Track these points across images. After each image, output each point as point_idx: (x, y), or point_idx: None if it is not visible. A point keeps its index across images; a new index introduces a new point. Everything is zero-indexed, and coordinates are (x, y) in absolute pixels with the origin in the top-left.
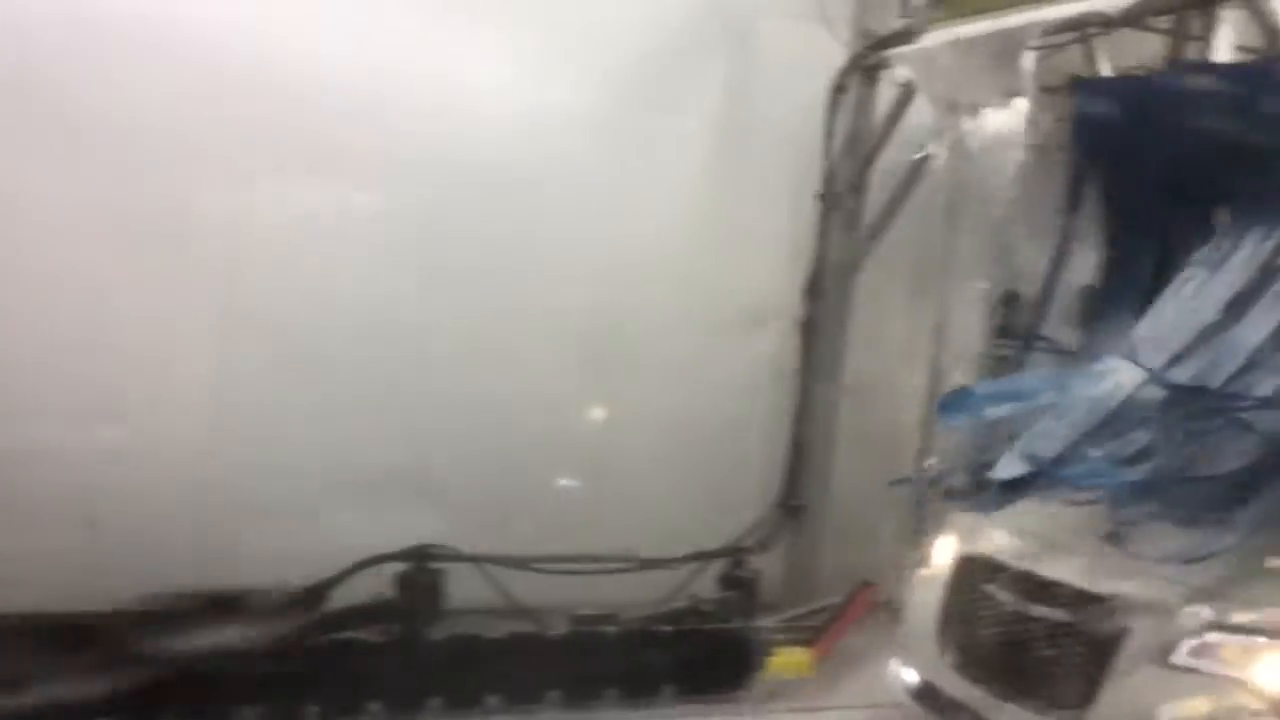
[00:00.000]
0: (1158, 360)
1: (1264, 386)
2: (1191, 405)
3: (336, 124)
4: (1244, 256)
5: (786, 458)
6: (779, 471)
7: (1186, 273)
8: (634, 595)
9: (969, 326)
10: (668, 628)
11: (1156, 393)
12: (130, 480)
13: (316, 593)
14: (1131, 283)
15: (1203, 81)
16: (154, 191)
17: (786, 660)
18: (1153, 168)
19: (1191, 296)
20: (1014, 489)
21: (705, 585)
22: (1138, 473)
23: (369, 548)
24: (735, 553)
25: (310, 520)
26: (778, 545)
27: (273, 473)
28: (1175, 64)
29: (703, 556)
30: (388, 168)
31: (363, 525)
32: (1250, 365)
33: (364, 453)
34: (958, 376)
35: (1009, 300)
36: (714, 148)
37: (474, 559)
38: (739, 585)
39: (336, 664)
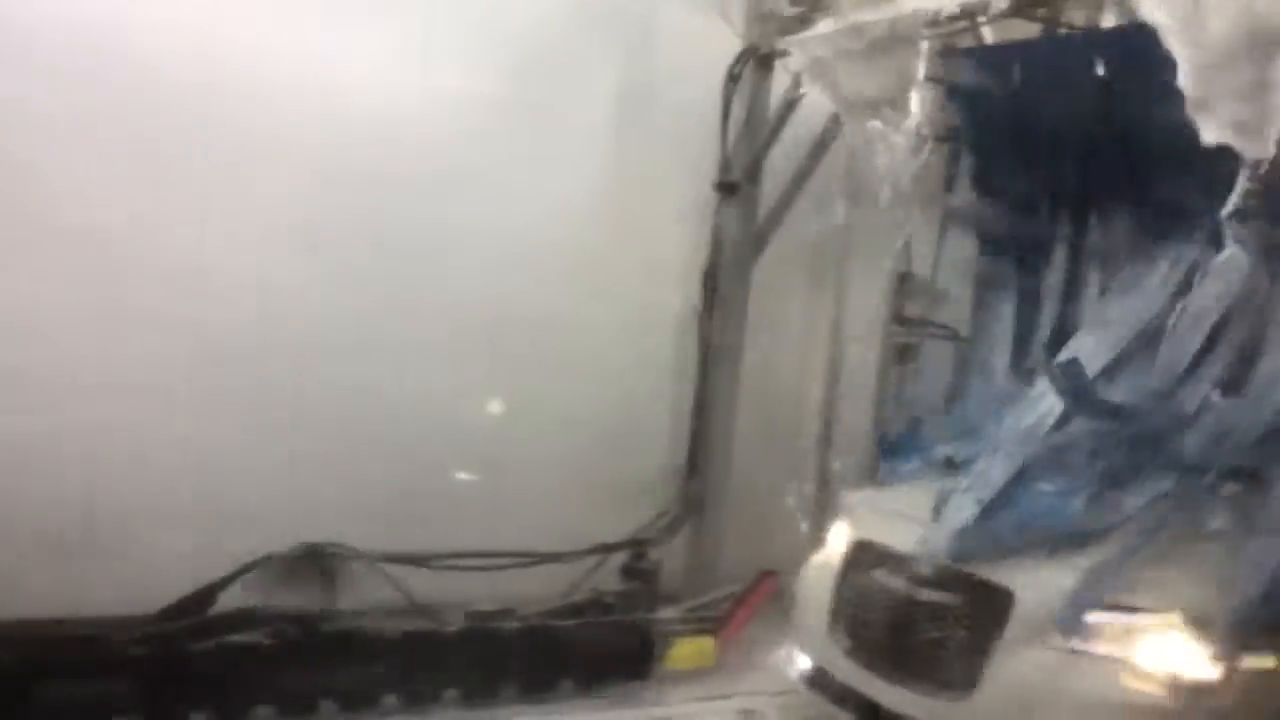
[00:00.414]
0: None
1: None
2: (1118, 429)
3: (218, 112)
4: (1160, 278)
5: (687, 448)
6: (680, 462)
7: (1107, 295)
8: (536, 590)
9: (868, 313)
10: (567, 621)
11: (1085, 421)
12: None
13: (203, 595)
14: (1010, 266)
15: (1067, 48)
16: (12, 180)
17: (688, 650)
18: (1023, 141)
19: (1111, 320)
20: None
21: (607, 578)
22: (1081, 507)
23: (259, 548)
24: (636, 545)
25: (197, 519)
26: (679, 536)
27: (156, 470)
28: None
29: (603, 549)
30: (274, 155)
31: (252, 524)
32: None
33: (252, 449)
34: (858, 364)
35: (906, 286)
36: (610, 136)
37: (367, 557)
38: (640, 577)
39: (224, 668)
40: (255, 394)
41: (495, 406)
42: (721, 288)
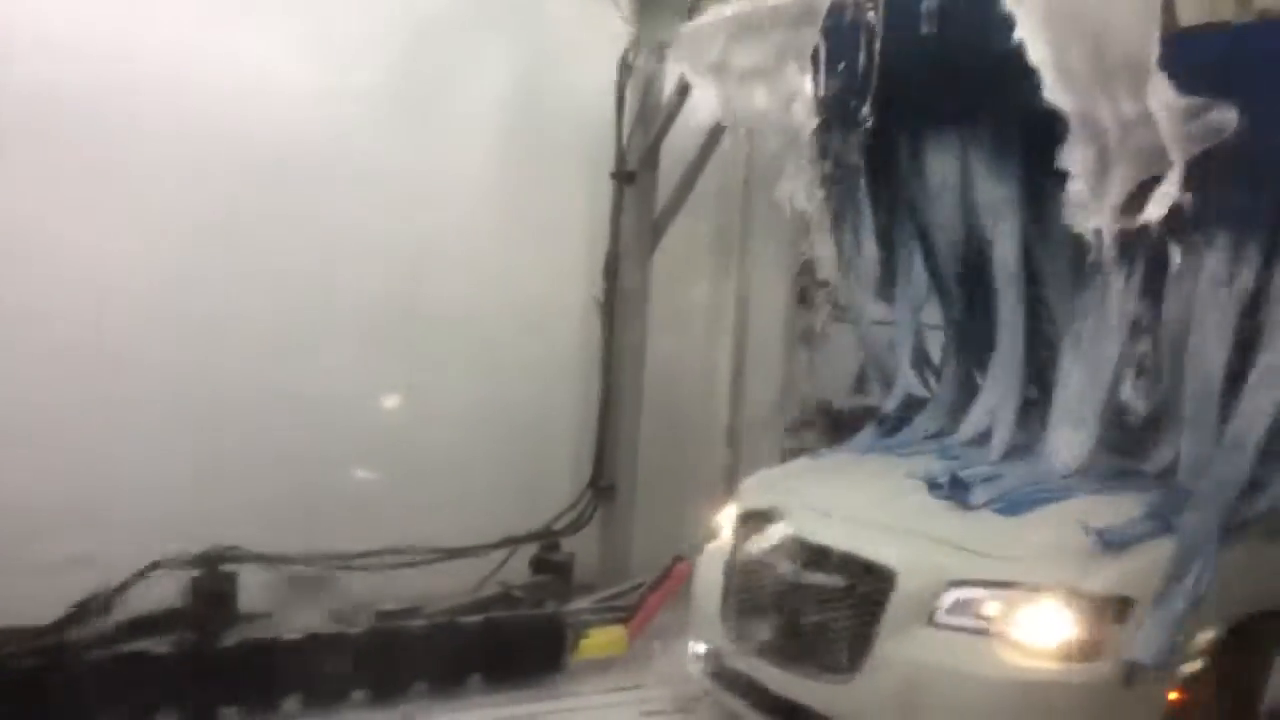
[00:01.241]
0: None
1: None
2: None
3: (118, 112)
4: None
5: (595, 438)
6: (589, 453)
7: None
8: (448, 587)
9: (772, 300)
10: (475, 616)
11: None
12: None
13: (102, 602)
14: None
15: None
16: None
17: (600, 639)
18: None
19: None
20: None
21: (520, 571)
22: None
23: (160, 552)
24: (546, 536)
25: (98, 525)
26: (590, 527)
27: (56, 475)
28: None
29: (512, 542)
30: (173, 155)
31: (155, 528)
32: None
33: (155, 452)
34: (763, 349)
35: (808, 271)
36: (508, 129)
37: (271, 559)
38: (551, 569)
39: (123, 675)
40: (157, 396)
41: (402, 404)
42: (622, 277)
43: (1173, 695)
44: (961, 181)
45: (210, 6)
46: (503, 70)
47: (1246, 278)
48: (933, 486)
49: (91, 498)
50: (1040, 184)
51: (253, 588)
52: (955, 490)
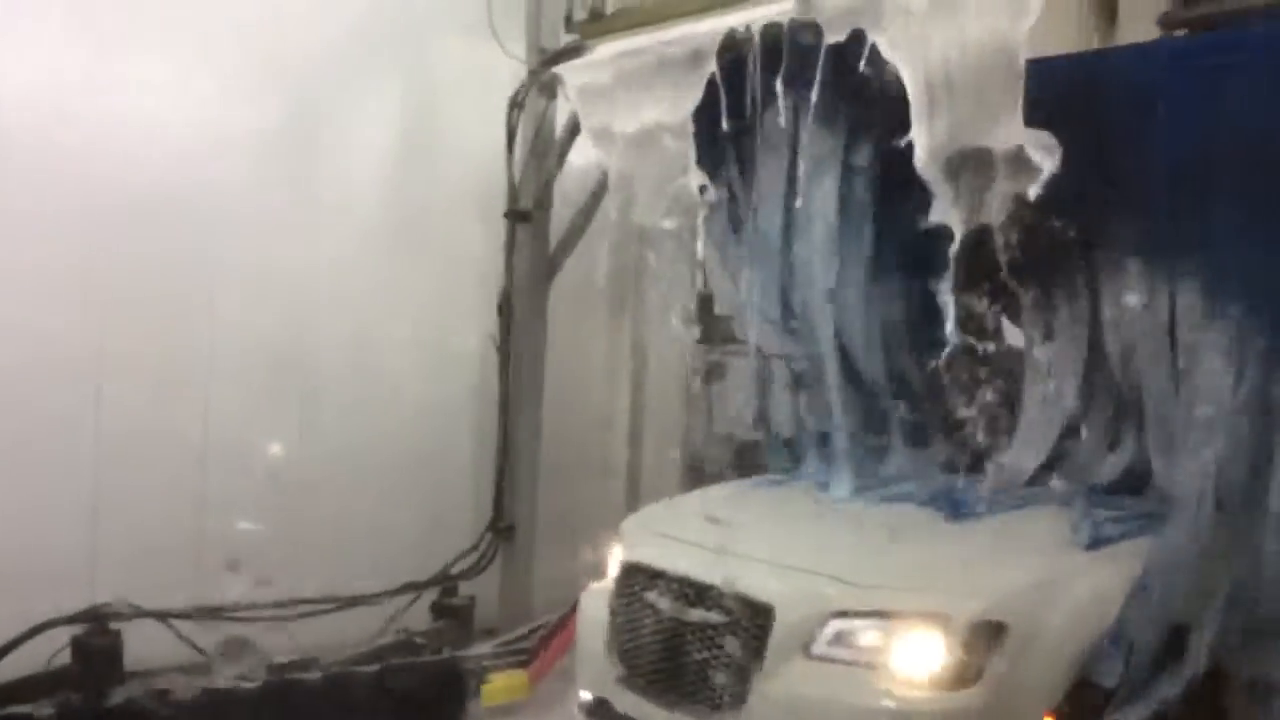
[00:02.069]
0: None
1: None
2: None
3: None
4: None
5: (494, 479)
6: (488, 494)
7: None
8: (345, 636)
9: (670, 335)
10: (373, 666)
11: None
12: None
13: None
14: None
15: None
16: None
17: (502, 684)
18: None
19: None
20: None
21: (420, 617)
22: None
23: (44, 611)
24: (445, 581)
25: None
26: (490, 569)
27: None
28: None
29: (411, 588)
30: (46, 191)
31: (38, 584)
32: None
33: (30, 506)
34: (662, 386)
35: (705, 306)
36: (399, 168)
37: (157, 614)
38: (452, 614)
39: None
40: (32, 444)
41: (294, 447)
42: (518, 315)
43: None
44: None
45: (92, 38)
46: (393, 108)
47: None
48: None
49: None
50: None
51: (141, 643)
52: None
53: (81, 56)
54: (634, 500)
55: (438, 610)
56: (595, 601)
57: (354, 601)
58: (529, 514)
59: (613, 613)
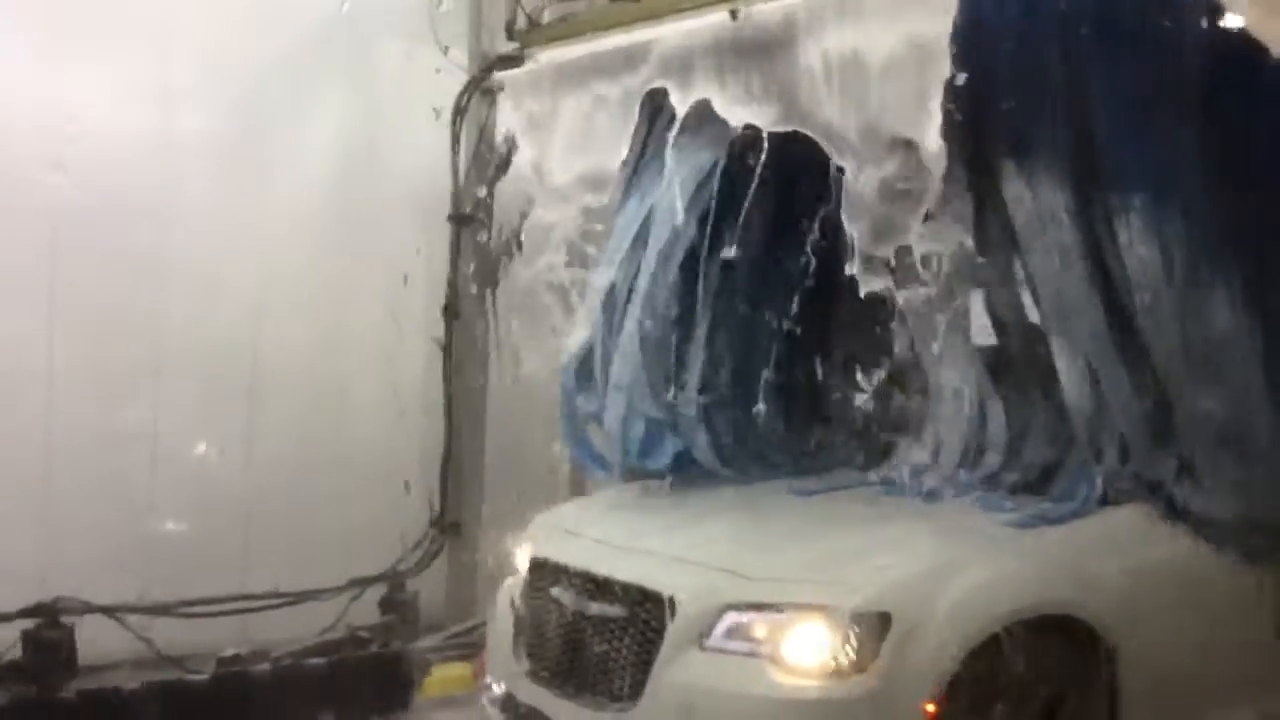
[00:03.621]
0: None
1: None
2: None
3: None
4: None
5: (439, 478)
6: (433, 492)
7: None
8: (293, 632)
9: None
10: (320, 659)
11: None
12: None
13: None
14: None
15: None
16: None
17: (446, 676)
18: None
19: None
20: None
21: (367, 613)
22: None
23: None
24: (392, 577)
25: None
26: (436, 565)
27: None
28: None
29: (357, 584)
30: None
31: None
32: None
33: None
34: None
35: None
36: (343, 173)
37: (108, 610)
38: (398, 609)
39: None
40: None
41: (241, 447)
42: (463, 317)
43: (930, 706)
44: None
45: (38, 41)
46: (339, 113)
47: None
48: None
49: None
50: None
51: (92, 638)
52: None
53: (28, 60)
54: (576, 497)
55: (385, 605)
56: (505, 597)
57: (302, 597)
58: (474, 511)
59: (520, 608)
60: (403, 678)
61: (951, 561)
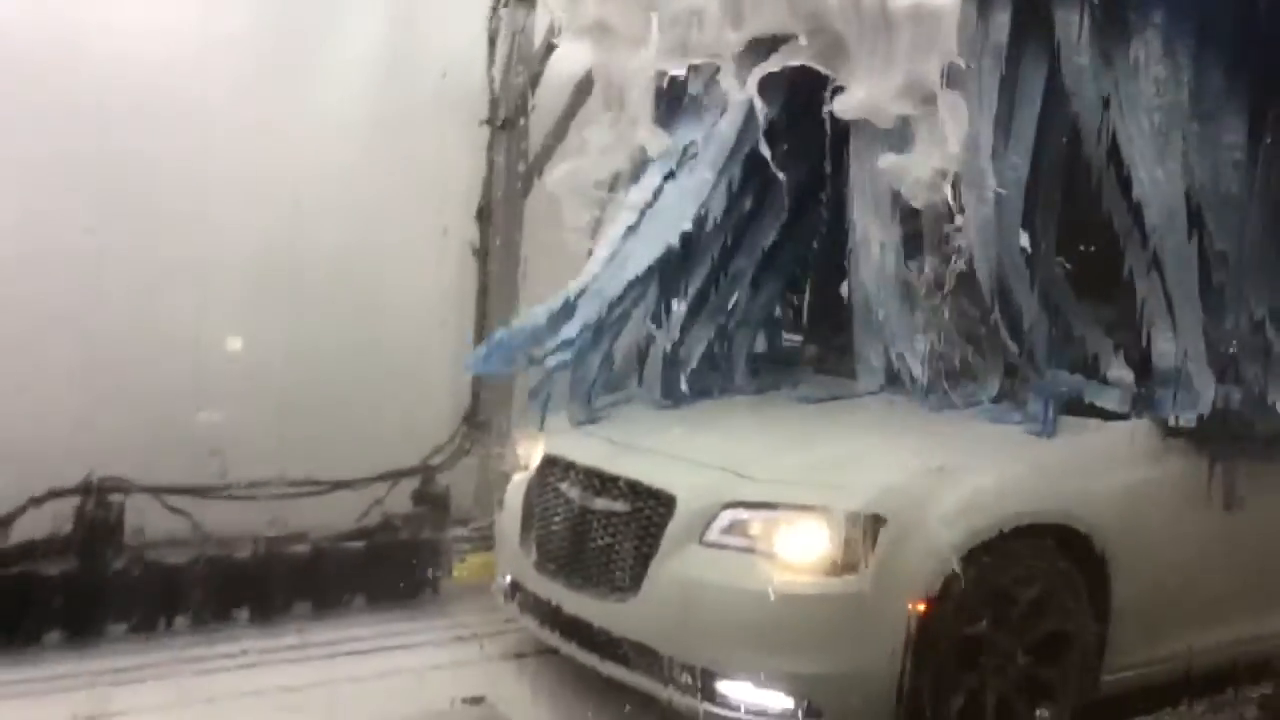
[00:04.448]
0: None
1: None
2: None
3: None
4: None
5: (471, 376)
6: (465, 390)
7: None
8: (329, 519)
9: None
10: (355, 543)
11: None
12: None
13: None
14: None
15: None
16: None
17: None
18: None
19: None
20: None
21: (400, 503)
22: None
23: (45, 485)
24: (425, 470)
25: None
26: (466, 461)
27: None
28: None
29: (393, 475)
30: (46, 99)
31: (38, 461)
32: None
33: (38, 387)
34: None
35: None
36: (381, 76)
37: (154, 490)
38: (430, 501)
39: (12, 597)
40: (31, 333)
41: (282, 342)
42: (496, 222)
43: (919, 606)
44: None
45: None
46: (376, 16)
47: None
48: None
49: None
50: None
51: (137, 519)
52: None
53: None
54: None
55: (417, 497)
56: (516, 491)
57: (340, 485)
58: (503, 409)
59: (530, 501)
60: (432, 565)
61: (948, 468)
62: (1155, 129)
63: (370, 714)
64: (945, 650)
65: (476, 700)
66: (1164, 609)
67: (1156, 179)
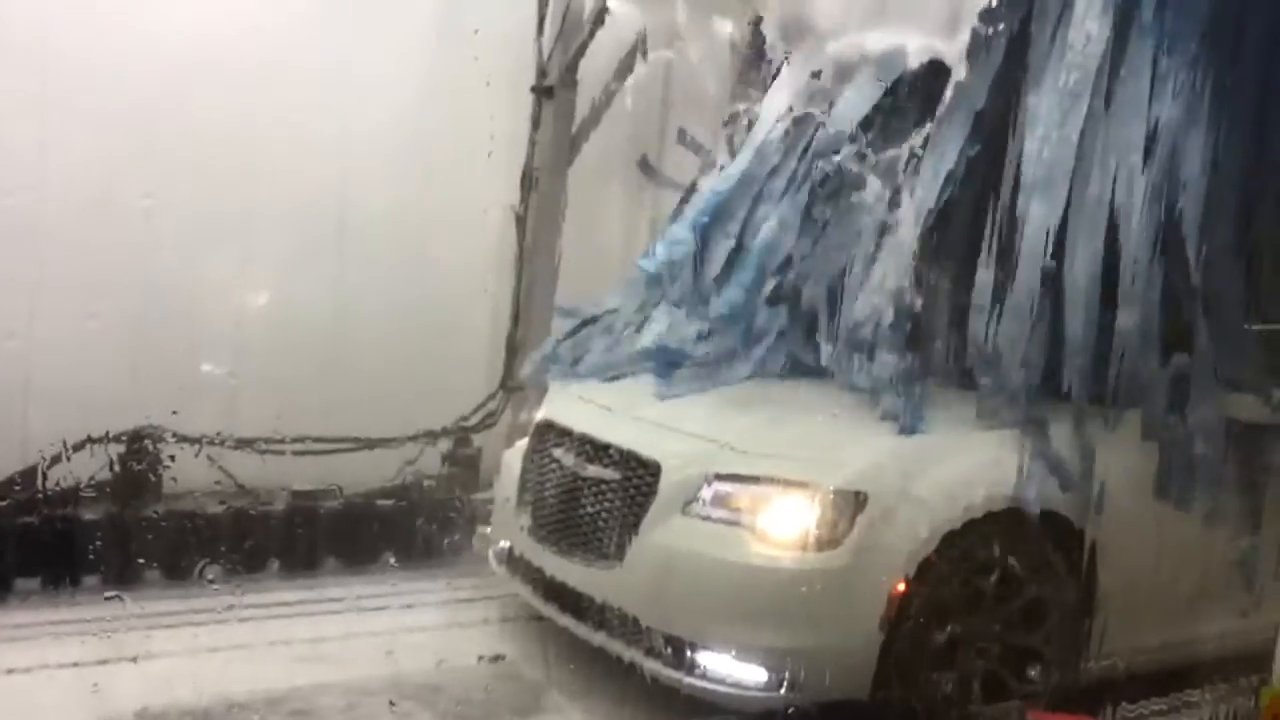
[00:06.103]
0: None
1: None
2: None
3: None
4: None
5: (506, 342)
6: (501, 353)
7: None
8: (363, 476)
9: None
10: (387, 501)
11: None
12: None
13: (29, 474)
14: None
15: None
16: None
17: None
18: None
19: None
20: None
21: (433, 463)
22: None
23: (84, 431)
24: (459, 432)
25: (26, 401)
26: (500, 424)
27: None
28: None
29: (427, 435)
30: (105, 56)
31: (79, 409)
32: None
33: (81, 336)
34: None
35: None
36: (430, 40)
37: (193, 440)
38: (462, 462)
39: (51, 541)
40: (87, 281)
41: (324, 299)
42: (539, 188)
43: (899, 585)
44: None
45: None
46: None
47: None
48: None
49: (21, 378)
50: None
51: (175, 469)
52: None
53: None
54: None
55: (449, 459)
56: (511, 457)
57: (376, 444)
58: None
59: (525, 467)
60: (463, 524)
61: (934, 448)
62: None
63: (394, 668)
64: (923, 628)
65: (498, 658)
66: (1151, 598)
67: None
